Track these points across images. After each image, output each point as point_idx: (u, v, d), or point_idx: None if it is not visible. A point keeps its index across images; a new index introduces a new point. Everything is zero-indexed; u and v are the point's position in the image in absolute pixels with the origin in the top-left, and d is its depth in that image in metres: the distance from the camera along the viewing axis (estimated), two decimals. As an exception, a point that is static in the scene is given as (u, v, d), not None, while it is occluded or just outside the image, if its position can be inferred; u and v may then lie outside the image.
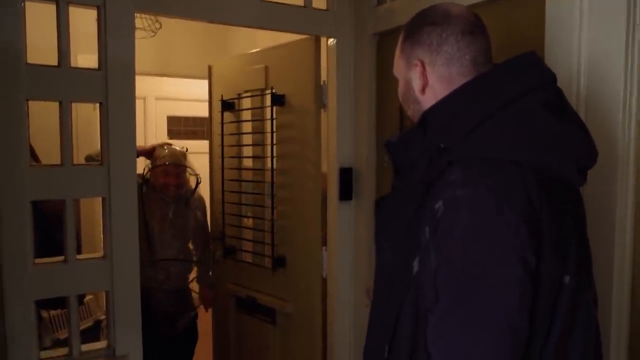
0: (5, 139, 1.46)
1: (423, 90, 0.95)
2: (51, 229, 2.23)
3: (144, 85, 4.50)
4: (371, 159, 2.06)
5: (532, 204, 0.75)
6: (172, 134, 4.77)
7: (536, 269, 0.73)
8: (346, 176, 2.11)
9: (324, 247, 2.21)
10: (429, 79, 0.94)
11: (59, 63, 1.54)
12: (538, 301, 0.74)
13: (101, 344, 1.66)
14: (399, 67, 0.99)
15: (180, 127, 4.84)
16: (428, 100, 0.93)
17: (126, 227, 1.64)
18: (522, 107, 0.84)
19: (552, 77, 0.90)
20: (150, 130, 4.59)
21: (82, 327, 2.72)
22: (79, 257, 1.61)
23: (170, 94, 4.65)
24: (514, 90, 0.85)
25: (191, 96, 4.52)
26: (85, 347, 1.61)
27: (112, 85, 1.60)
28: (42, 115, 2.09)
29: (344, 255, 2.15)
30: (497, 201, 0.74)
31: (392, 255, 0.91)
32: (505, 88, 0.85)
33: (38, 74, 1.51)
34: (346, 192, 2.11)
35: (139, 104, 4.60)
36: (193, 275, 2.80)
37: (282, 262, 2.33)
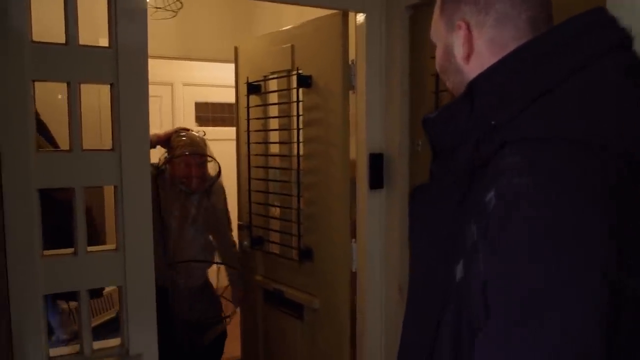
0: (9, 122, 1.36)
1: (467, 58, 0.78)
2: (67, 218, 2.15)
3: (171, 70, 4.42)
4: (404, 145, 1.90)
5: (614, 198, 0.59)
6: (200, 120, 4.69)
7: (618, 281, 0.57)
8: (376, 163, 1.95)
9: (353, 239, 2.06)
10: (475, 44, 0.77)
11: (66, 41, 1.43)
12: (618, 321, 0.58)
13: (114, 342, 1.56)
14: (437, 30, 0.83)
15: (208, 113, 4.75)
16: (473, 70, 0.77)
17: (140, 218, 1.54)
18: (593, 75, 0.66)
19: (627, 40, 0.73)
20: (178, 117, 4.52)
21: (103, 320, 2.69)
22: (90, 249, 1.51)
23: (198, 80, 4.56)
24: (583, 54, 0.68)
25: (219, 81, 4.40)
26: (97, 345, 1.52)
27: (124, 65, 1.48)
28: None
29: (374, 248, 2.00)
30: (568, 193, 0.57)
31: (429, 256, 0.76)
32: (571, 52, 0.68)
33: (44, 52, 1.40)
34: (376, 180, 1.96)
35: (166, 91, 4.57)
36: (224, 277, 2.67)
37: (309, 255, 2.20)
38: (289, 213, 2.33)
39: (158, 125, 4.03)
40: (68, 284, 1.48)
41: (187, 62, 4.35)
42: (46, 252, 1.46)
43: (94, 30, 1.46)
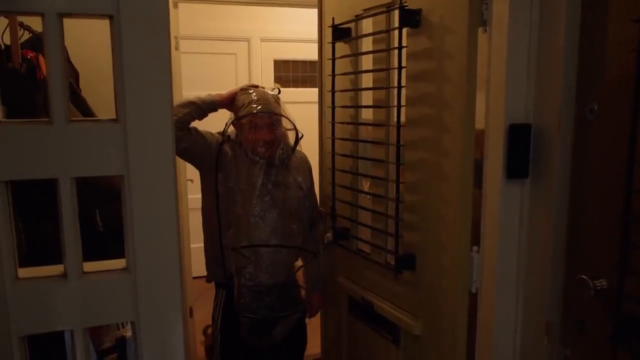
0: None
1: None
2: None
3: (247, 24, 3.91)
4: (568, 111, 1.22)
5: None
6: (280, 80, 4.14)
7: None
8: (520, 138, 1.29)
9: (475, 248, 1.43)
10: None
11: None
12: None
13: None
14: None
15: (289, 72, 4.18)
16: None
17: (160, 223, 1.02)
18: None
19: None
20: (255, 76, 4.00)
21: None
22: (87, 268, 1.01)
23: (278, 35, 3.98)
24: None
25: (302, 36, 3.83)
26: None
27: (128, -14, 0.94)
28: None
29: (508, 265, 1.36)
30: None
31: None
32: None
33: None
34: (519, 165, 1.30)
35: (242, 47, 4.03)
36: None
37: (410, 263, 1.60)
38: (383, 203, 1.74)
39: (234, 86, 3.58)
40: (56, 320, 1.00)
41: (265, 14, 3.81)
42: (22, 274, 0.98)
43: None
